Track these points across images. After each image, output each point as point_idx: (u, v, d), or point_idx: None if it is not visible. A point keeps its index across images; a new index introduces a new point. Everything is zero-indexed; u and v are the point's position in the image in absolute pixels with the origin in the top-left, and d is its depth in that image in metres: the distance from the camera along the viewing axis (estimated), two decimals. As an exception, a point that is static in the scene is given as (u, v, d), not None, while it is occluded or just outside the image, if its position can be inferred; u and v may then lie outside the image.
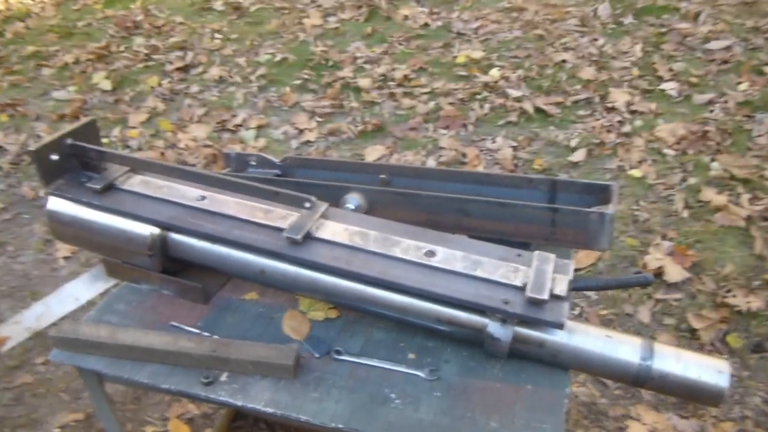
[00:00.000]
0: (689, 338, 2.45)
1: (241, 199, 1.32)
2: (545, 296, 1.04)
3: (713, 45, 4.16)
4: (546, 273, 1.10)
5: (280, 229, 1.22)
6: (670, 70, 3.95)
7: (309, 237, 1.20)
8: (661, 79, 3.90)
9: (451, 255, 1.16)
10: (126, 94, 4.38)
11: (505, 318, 1.09)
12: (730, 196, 2.97)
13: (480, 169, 3.33)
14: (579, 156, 3.35)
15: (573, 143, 3.45)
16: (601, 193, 1.42)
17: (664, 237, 2.83)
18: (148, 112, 4.15)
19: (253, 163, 1.83)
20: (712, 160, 3.19)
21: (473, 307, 1.09)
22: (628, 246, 2.83)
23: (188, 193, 1.33)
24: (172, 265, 1.38)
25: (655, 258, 2.72)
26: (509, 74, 4.09)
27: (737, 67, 3.91)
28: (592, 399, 2.26)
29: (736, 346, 2.40)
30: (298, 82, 4.32)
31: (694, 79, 3.82)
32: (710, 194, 2.98)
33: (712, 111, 3.55)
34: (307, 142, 3.78)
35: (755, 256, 2.70)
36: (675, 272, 2.66)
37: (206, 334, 1.28)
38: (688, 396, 1.09)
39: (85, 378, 1.31)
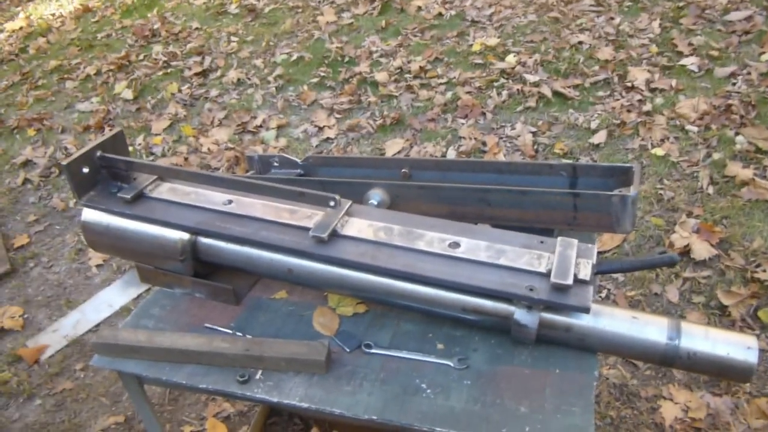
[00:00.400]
0: (720, 315, 2.43)
1: (267, 200, 1.35)
2: (569, 281, 1.06)
3: (733, 16, 4.08)
4: (569, 258, 1.12)
5: (306, 229, 1.25)
6: (690, 44, 3.89)
7: (335, 234, 1.23)
8: (680, 54, 3.84)
9: (475, 245, 1.18)
10: (148, 102, 4.45)
11: (531, 305, 1.11)
12: (756, 169, 2.93)
13: (501, 156, 3.33)
14: (600, 138, 3.33)
15: (593, 125, 3.42)
16: (623, 176, 1.42)
17: (689, 215, 2.80)
18: (170, 119, 4.22)
19: (276, 164, 1.86)
20: (737, 134, 3.14)
21: (499, 295, 1.11)
22: (654, 225, 2.81)
23: (215, 197, 1.37)
24: (203, 268, 1.42)
25: (681, 236, 2.70)
26: (526, 59, 4.06)
27: (759, 37, 3.83)
28: (623, 381, 2.26)
29: (767, 320, 2.38)
30: (315, 80, 4.35)
31: (714, 53, 3.76)
32: (736, 169, 2.94)
33: (734, 84, 3.49)
34: (328, 139, 3.81)
35: (785, 229, 2.66)
36: (702, 249, 2.64)
37: (239, 334, 1.32)
38: (718, 373, 1.10)
39: (126, 381, 1.36)
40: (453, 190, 1.43)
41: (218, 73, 4.65)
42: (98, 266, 3.21)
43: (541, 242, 1.19)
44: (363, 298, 1.33)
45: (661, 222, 2.82)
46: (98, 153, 1.42)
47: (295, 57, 4.63)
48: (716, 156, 3.05)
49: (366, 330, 1.30)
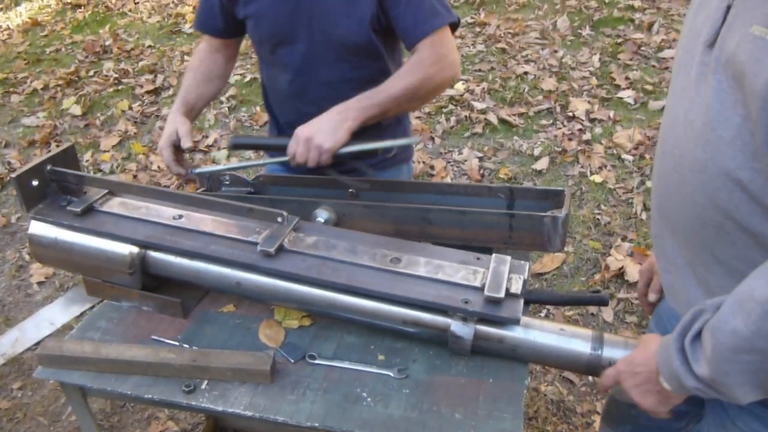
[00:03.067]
0: (651, 334, 2.56)
1: (217, 216, 1.39)
2: (501, 294, 1.14)
3: (666, 53, 4.35)
4: (502, 273, 1.20)
5: (254, 243, 1.29)
6: (627, 78, 4.12)
7: (282, 249, 1.28)
8: (618, 87, 4.06)
9: (415, 260, 1.25)
10: (97, 119, 4.41)
11: (466, 317, 1.18)
12: (685, 197, 3.12)
13: (448, 180, 3.44)
14: (542, 164, 3.48)
15: (536, 152, 3.58)
16: (555, 198, 1.52)
17: (624, 239, 2.96)
18: (119, 136, 4.19)
19: (227, 182, 1.90)
20: (668, 164, 3.34)
21: (436, 307, 1.17)
22: (591, 248, 2.96)
23: (165, 212, 1.40)
24: (151, 281, 1.45)
25: (616, 259, 2.85)
26: (474, 87, 4.22)
27: (689, 75, 4.08)
28: (560, 397, 2.36)
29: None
30: (268, 101, 4.40)
31: (649, 87, 3.99)
32: (667, 196, 3.12)
33: (666, 117, 3.71)
34: (279, 160, 3.85)
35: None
36: (635, 272, 2.79)
37: (186, 346, 1.35)
38: (636, 381, 1.19)
39: (69, 393, 1.36)
40: (396, 210, 1.50)
41: (171, 92, 4.64)
42: (40, 283, 3.15)
43: (478, 258, 1.27)
44: (308, 311, 1.37)
45: (598, 245, 2.96)
46: (48, 167, 1.43)
47: (248, 78, 4.67)
48: (649, 183, 3.23)
49: (311, 342, 1.35)
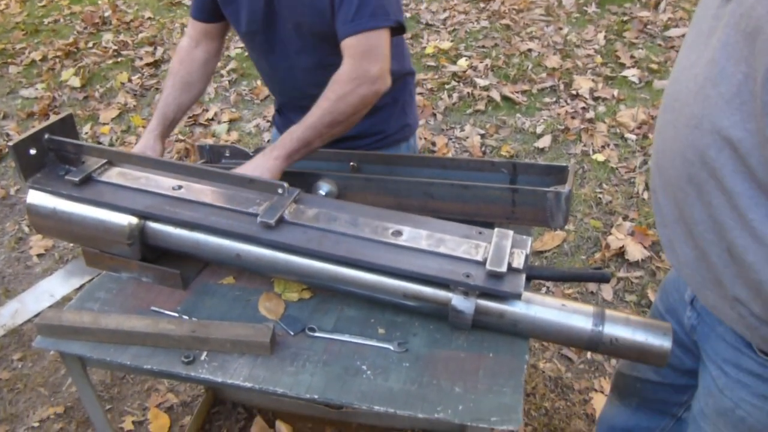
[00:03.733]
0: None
1: (217, 187, 1.37)
2: (504, 269, 1.13)
3: (672, 32, 4.30)
4: (504, 248, 1.19)
5: (255, 215, 1.28)
6: (632, 57, 4.08)
7: (282, 221, 1.27)
8: (623, 66, 4.02)
9: (417, 234, 1.24)
10: (96, 91, 4.37)
11: (467, 291, 1.17)
12: (688, 177, 3.11)
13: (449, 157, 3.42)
14: (545, 142, 3.46)
15: (539, 130, 3.55)
16: (559, 174, 1.50)
17: (625, 218, 2.95)
18: (118, 108, 4.16)
19: (227, 154, 1.88)
20: (671, 143, 3.32)
21: (437, 281, 1.17)
22: (592, 227, 2.95)
23: (165, 183, 1.39)
24: (150, 253, 1.44)
25: (617, 238, 2.84)
26: (477, 64, 4.18)
27: (695, 54, 4.04)
28: (558, 374, 2.37)
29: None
30: (268, 75, 4.36)
31: (654, 66, 3.95)
32: (669, 176, 3.10)
33: (671, 96, 3.68)
34: (280, 135, 3.82)
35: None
36: (636, 251, 2.79)
37: (185, 317, 1.34)
38: (637, 357, 1.18)
39: (69, 364, 1.36)
40: (398, 183, 1.48)
41: (170, 64, 4.59)
42: (39, 255, 3.14)
43: (480, 233, 1.26)
44: (309, 283, 1.37)
45: (599, 224, 2.95)
46: (46, 135, 1.41)
47: (249, 52, 4.63)
48: (652, 163, 3.21)
49: (310, 315, 1.34)
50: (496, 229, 1.24)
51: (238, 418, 2.19)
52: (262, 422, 2.12)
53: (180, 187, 1.38)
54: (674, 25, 4.38)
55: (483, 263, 1.17)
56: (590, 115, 3.60)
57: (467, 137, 3.55)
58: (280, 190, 1.27)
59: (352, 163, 1.69)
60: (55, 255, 3.13)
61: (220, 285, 1.45)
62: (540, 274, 1.41)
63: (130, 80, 4.43)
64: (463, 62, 4.18)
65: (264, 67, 1.80)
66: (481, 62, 4.17)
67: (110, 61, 4.69)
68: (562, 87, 3.88)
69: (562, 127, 3.54)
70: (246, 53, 4.51)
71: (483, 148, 3.47)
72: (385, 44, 1.48)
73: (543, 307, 1.21)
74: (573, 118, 3.60)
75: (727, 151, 0.88)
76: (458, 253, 1.19)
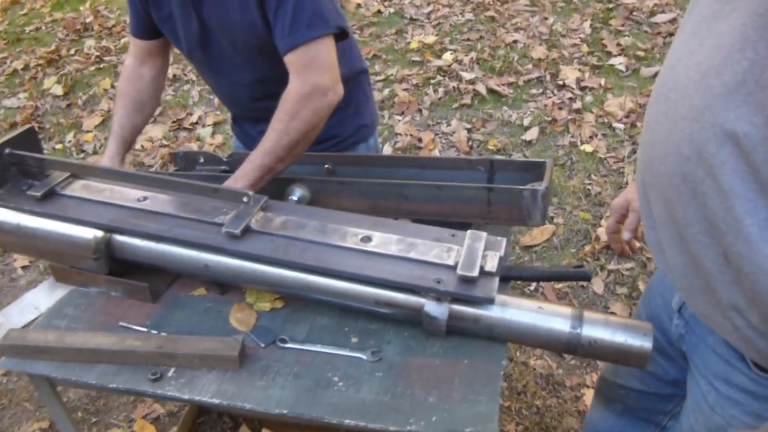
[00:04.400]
0: (641, 305, 2.53)
1: (183, 198, 1.33)
2: (475, 273, 1.09)
3: (659, 18, 4.26)
4: (477, 251, 1.15)
5: (220, 225, 1.24)
6: (618, 45, 4.03)
7: (248, 230, 1.23)
8: (609, 54, 3.98)
9: (387, 239, 1.20)
10: (79, 98, 4.32)
11: (439, 297, 1.13)
12: (677, 165, 3.07)
13: (436, 152, 3.38)
14: (532, 134, 3.42)
15: (526, 122, 3.51)
16: (537, 170, 1.47)
17: (615, 209, 2.91)
18: (102, 115, 4.11)
19: (201, 160, 1.84)
20: (660, 131, 3.27)
21: (407, 288, 1.13)
22: (582, 219, 2.91)
23: (130, 194, 1.35)
24: (118, 266, 1.40)
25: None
26: (462, 57, 4.13)
27: (682, 39, 4.00)
28: (550, 371, 2.33)
29: (686, 310, 2.48)
30: (252, 76, 4.31)
31: (641, 53, 3.91)
32: (658, 165, 3.07)
33: (658, 84, 3.64)
34: (265, 136, 3.78)
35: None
36: (626, 243, 2.74)
37: (154, 332, 1.30)
38: (617, 359, 1.15)
39: (37, 383, 1.33)
40: (372, 186, 1.45)
41: (166, 78, 4.54)
42: (24, 267, 3.10)
43: (453, 235, 1.22)
44: (279, 293, 1.33)
45: (588, 216, 2.91)
46: (7, 150, 1.37)
47: (232, 53, 4.58)
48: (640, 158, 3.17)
49: (283, 325, 1.30)
50: (468, 232, 1.20)
51: (224, 428, 2.16)
52: (247, 431, 2.09)
53: (145, 199, 1.34)
54: (660, 10, 4.33)
55: (455, 268, 1.13)
56: (577, 105, 3.56)
57: (454, 132, 3.51)
58: (245, 199, 1.23)
59: (326, 166, 1.66)
60: (39, 267, 3.09)
61: (190, 297, 1.41)
62: (518, 275, 1.38)
63: (113, 86, 4.37)
64: (448, 56, 4.13)
65: (210, 83, 1.78)
66: (466, 56, 4.12)
67: (93, 68, 4.63)
68: (548, 78, 3.83)
69: (550, 119, 3.49)
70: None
71: (470, 143, 3.43)
72: (330, 53, 1.43)
73: (519, 310, 1.17)
74: (560, 109, 3.56)
75: (729, 146, 0.80)
76: (429, 257, 1.15)
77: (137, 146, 3.76)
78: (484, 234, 1.20)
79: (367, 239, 1.20)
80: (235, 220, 1.23)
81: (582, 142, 3.30)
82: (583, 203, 2.99)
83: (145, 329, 1.32)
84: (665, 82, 0.95)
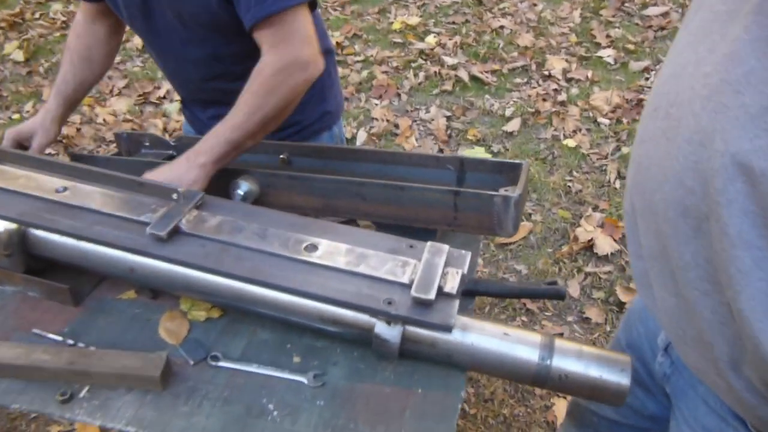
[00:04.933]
0: (617, 311, 2.42)
1: (109, 190, 1.17)
2: (431, 296, 0.94)
3: (651, 11, 4.12)
4: (436, 267, 1.00)
5: (146, 224, 1.08)
6: (608, 36, 3.89)
7: (178, 231, 1.07)
8: (598, 45, 3.83)
9: (335, 248, 1.05)
10: (41, 66, 4.08)
11: (389, 320, 0.99)
12: (661, 165, 2.95)
13: (412, 140, 3.22)
14: (514, 126, 3.27)
15: (508, 112, 3.36)
16: (512, 172, 1.32)
17: (595, 208, 2.79)
18: (64, 85, 3.88)
19: (147, 143, 1.68)
20: (646, 128, 3.15)
21: (353, 308, 0.98)
22: (561, 218, 2.78)
23: (47, 184, 1.18)
24: (37, 263, 1.23)
25: (585, 230, 2.68)
26: (446, 41, 3.96)
27: (674, 34, 3.86)
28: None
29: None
30: (226, 50, 4.10)
31: (630, 46, 3.77)
32: (642, 164, 2.94)
33: (647, 78, 3.51)
34: (235, 115, 3.59)
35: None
36: (605, 245, 2.63)
37: (70, 341, 1.15)
38: (590, 395, 1.02)
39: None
40: (326, 182, 1.29)
41: (122, 38, 4.31)
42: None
43: (411, 246, 1.08)
44: (214, 302, 1.18)
45: (568, 215, 2.79)
46: None
47: (206, 25, 4.36)
48: (625, 150, 3.04)
49: (218, 338, 1.15)
50: (428, 244, 1.06)
51: None
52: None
53: (65, 189, 1.17)
54: (653, 3, 4.19)
55: (409, 286, 0.98)
56: (562, 97, 3.42)
57: (432, 119, 3.35)
58: (174, 196, 1.07)
59: (281, 156, 1.50)
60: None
61: (118, 300, 1.25)
62: (486, 290, 1.23)
63: (77, 54, 4.15)
64: (431, 39, 3.96)
65: (155, 58, 1.59)
66: (450, 39, 3.95)
67: (57, 34, 4.39)
68: (534, 67, 3.68)
69: (533, 110, 3.35)
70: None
71: (448, 132, 3.28)
72: (307, 23, 1.27)
73: (482, 336, 1.03)
74: (544, 100, 3.41)
75: (740, 183, 0.64)
76: (381, 273, 1.01)
77: (99, 120, 3.55)
78: (445, 248, 1.06)
79: (313, 248, 1.05)
80: (163, 220, 1.07)
81: (565, 137, 3.17)
82: (563, 201, 2.86)
83: (60, 338, 1.16)
84: (665, 93, 0.78)
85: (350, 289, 0.98)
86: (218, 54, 1.43)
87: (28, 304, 1.25)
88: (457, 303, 0.98)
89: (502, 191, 1.27)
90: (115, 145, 1.77)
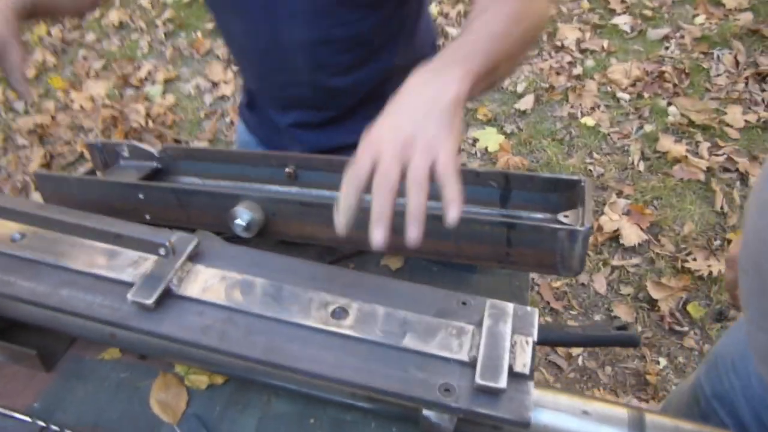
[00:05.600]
0: (648, 309, 2.24)
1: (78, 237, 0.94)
2: (502, 384, 0.73)
3: (666, -29, 3.84)
4: (502, 338, 0.79)
5: (128, 284, 0.85)
6: (623, 2, 3.62)
7: (168, 294, 0.84)
8: (613, 12, 3.57)
9: (370, 313, 0.83)
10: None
11: (448, 412, 0.78)
12: (688, 145, 2.73)
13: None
14: (527, 103, 3.03)
15: (520, 89, 3.12)
16: (569, 191, 1.10)
17: (619, 194, 2.58)
18: (36, 68, 3.58)
19: (125, 154, 1.43)
20: (669, 104, 2.92)
21: (400, 399, 0.77)
22: (583, 206, 2.57)
23: (1, 229, 0.95)
24: (2, 322, 1.01)
25: (610, 219, 2.48)
26: (448, 10, 3.67)
27: (692, -4, 3.62)
28: (546, 384, 2.03)
29: (697, 315, 2.20)
30: (210, 25, 3.80)
31: (648, 12, 3.51)
32: (668, 144, 2.73)
33: (668, 48, 3.26)
34: (223, 97, 3.33)
35: (715, 213, 2.48)
36: (632, 234, 2.44)
37: (40, 424, 0.93)
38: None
39: None
40: (347, 211, 1.06)
41: (96, 14, 3.99)
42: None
43: (463, 303, 0.86)
44: (218, 372, 0.96)
45: (590, 202, 2.57)
46: None
47: (188, -3, 4.04)
48: (648, 128, 2.82)
49: (224, 412, 0.94)
50: (488, 303, 0.84)
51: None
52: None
53: (22, 237, 0.94)
54: (667, -38, 3.91)
55: (470, 365, 0.77)
56: (577, 70, 3.17)
57: (438, 98, 3.10)
58: (162, 251, 0.84)
59: (287, 170, 1.26)
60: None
61: (99, 361, 1.03)
62: (544, 339, 1.02)
63: (49, 33, 3.83)
64: (432, 8, 3.67)
65: (234, 35, 1.26)
66: (452, 8, 3.66)
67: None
68: (545, 37, 3.42)
69: (546, 86, 3.11)
70: (186, 0, 3.93)
71: (456, 112, 3.03)
72: None
73: (557, 414, 0.83)
74: (558, 74, 3.16)
75: None
76: (432, 347, 0.79)
77: (75, 106, 3.27)
78: (510, 307, 0.84)
79: (342, 313, 0.83)
80: (149, 280, 0.84)
81: (582, 114, 2.93)
82: (584, 187, 2.64)
83: (28, 419, 0.94)
84: None
85: (395, 373, 0.76)
86: (332, 36, 1.15)
87: (-10, 369, 1.03)
88: (532, 386, 0.76)
89: (562, 217, 1.06)
90: (88, 152, 1.53)
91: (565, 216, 1.05)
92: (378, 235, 0.71)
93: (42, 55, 3.62)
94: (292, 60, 1.22)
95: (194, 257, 0.90)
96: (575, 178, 1.09)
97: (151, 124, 2.99)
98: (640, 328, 2.12)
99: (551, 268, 1.01)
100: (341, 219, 0.76)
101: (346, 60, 1.19)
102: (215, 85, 3.36)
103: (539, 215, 1.15)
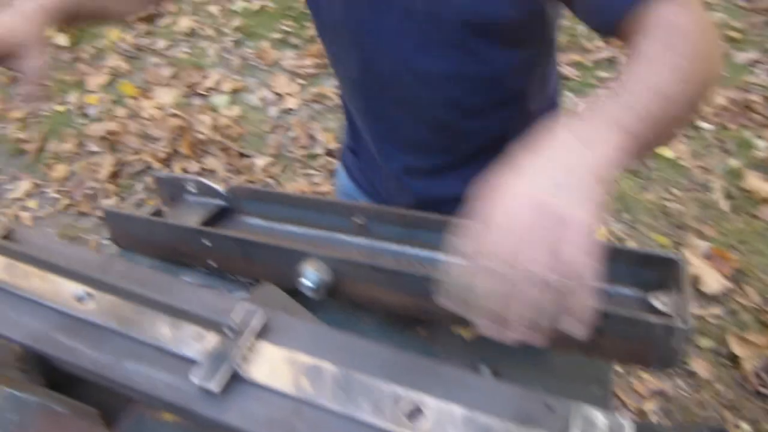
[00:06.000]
0: (729, 366, 2.08)
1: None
2: None
3: (756, -10, 3.62)
4: (594, 456, 0.71)
5: (191, 361, 0.81)
6: (707, 21, 3.42)
7: (235, 378, 0.80)
8: (695, 33, 3.38)
9: (448, 415, 0.76)
10: (85, 52, 3.87)
11: None
12: (778, 183, 2.55)
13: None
14: (600, 130, 2.89)
15: (593, 114, 2.98)
16: (661, 268, 1.00)
17: (700, 235, 2.42)
18: (109, 73, 3.66)
19: (192, 190, 1.42)
20: (758, 137, 2.73)
21: None
22: (658, 245, 2.43)
23: (65, 287, 0.92)
24: (62, 377, 0.99)
25: (690, 263, 2.32)
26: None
27: (785, 18, 3.39)
28: None
29: (784, 377, 2.04)
30: (278, 35, 3.80)
31: (734, 34, 3.30)
32: (755, 181, 2.55)
33: (756, 74, 3.06)
34: (289, 110, 3.31)
35: (808, 261, 2.30)
36: (713, 281, 2.28)
37: (98, 491, 0.90)
38: None
39: None
40: (419, 281, 1.00)
41: (168, 19, 4.05)
42: None
43: (548, 408, 0.78)
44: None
45: (667, 241, 2.43)
46: None
47: (256, 6, 4.05)
48: (733, 163, 2.64)
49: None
50: (574, 410, 0.76)
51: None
52: None
53: (88, 296, 0.91)
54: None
55: (558, 488, 0.69)
56: (656, 96, 3.01)
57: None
58: (228, 332, 0.80)
59: (357, 221, 1.21)
60: None
61: (159, 422, 1.00)
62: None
63: (122, 39, 3.91)
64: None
65: (349, 67, 1.15)
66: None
67: (103, 16, 4.16)
68: (622, 59, 3.27)
69: (622, 111, 2.96)
70: (254, 7, 3.95)
71: (525, 136, 2.93)
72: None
73: None
74: (635, 99, 3.01)
75: None
76: (516, 463, 0.72)
77: (144, 114, 3.32)
78: (598, 415, 0.76)
79: (417, 413, 0.76)
80: (214, 362, 0.80)
81: (661, 145, 2.78)
82: (660, 224, 2.50)
83: (86, 483, 0.92)
84: None
85: (474, 494, 0.70)
86: (464, 72, 1.06)
87: (53, 420, 1.01)
88: None
89: (653, 299, 0.97)
90: (156, 185, 1.51)
91: (658, 299, 0.96)
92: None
93: (115, 60, 3.70)
94: (415, 96, 1.12)
95: (264, 332, 0.85)
96: (670, 256, 1.00)
97: (217, 136, 3.00)
98: (720, 387, 1.98)
99: (642, 361, 0.92)
100: (451, 296, 0.71)
101: (478, 101, 1.10)
102: (280, 97, 3.36)
103: (627, 291, 1.06)
